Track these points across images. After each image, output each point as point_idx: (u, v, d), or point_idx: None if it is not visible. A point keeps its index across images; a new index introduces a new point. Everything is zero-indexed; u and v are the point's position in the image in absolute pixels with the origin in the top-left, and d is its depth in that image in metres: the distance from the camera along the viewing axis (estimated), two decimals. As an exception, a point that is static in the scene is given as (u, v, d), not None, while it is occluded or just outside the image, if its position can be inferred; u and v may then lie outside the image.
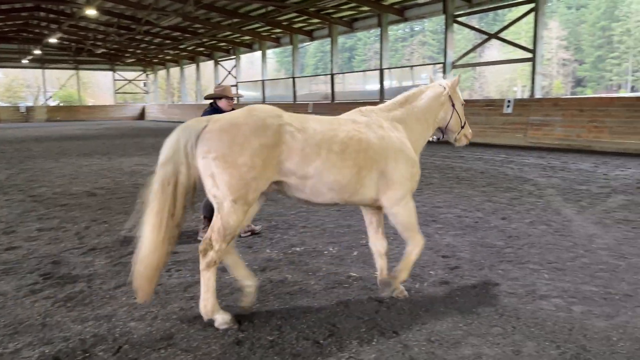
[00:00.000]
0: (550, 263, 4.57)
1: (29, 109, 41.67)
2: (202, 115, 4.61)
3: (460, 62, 19.83)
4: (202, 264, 3.30)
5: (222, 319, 3.34)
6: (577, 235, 5.46)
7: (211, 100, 5.67)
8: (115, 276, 4.37)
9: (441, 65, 19.40)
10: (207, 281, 3.31)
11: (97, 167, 11.69)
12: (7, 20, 29.89)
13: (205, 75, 42.98)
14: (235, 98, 5.80)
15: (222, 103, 5.56)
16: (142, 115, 45.34)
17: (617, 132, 13.20)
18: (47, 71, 43.95)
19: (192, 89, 48.00)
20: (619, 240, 5.25)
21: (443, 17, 19.34)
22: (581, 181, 8.88)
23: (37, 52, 36.26)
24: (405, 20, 21.95)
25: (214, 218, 3.31)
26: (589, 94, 58.04)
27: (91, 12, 20.13)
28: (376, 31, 33.07)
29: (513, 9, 43.26)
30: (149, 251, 3.18)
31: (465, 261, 4.66)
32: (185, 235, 5.66)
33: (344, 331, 3.28)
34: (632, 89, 61.18)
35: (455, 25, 18.96)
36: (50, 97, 47.80)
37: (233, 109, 5.08)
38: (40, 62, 41.54)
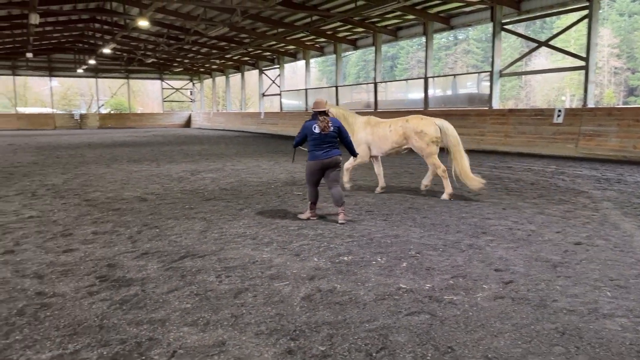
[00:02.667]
0: (612, 280, 4.36)
1: (82, 117, 43.39)
2: (308, 123, 6.79)
3: (507, 71, 19.38)
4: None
5: None
6: None
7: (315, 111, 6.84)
8: (167, 281, 4.44)
9: (488, 73, 19.03)
10: None
11: (147, 173, 12.01)
12: (64, 31, 31.28)
13: (250, 84, 43.66)
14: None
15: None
16: (188, 123, 46.46)
17: (677, 143, 12.56)
18: (99, 80, 45.70)
19: (236, 97, 48.80)
20: (686, 258, 4.96)
21: (490, 25, 19.00)
22: (640, 194, 8.49)
23: (92, 62, 37.76)
24: (451, 28, 21.68)
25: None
26: (642, 103, 55.67)
27: (143, 23, 20.80)
28: (419, 40, 32.88)
29: (562, 16, 42.08)
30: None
31: (520, 275, 4.51)
32: (233, 243, 5.72)
33: (397, 344, 3.21)
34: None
35: (503, 33, 18.59)
36: (102, 105, 49.60)
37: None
38: (94, 72, 43.26)
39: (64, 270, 4.74)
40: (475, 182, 8.17)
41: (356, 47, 28.16)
